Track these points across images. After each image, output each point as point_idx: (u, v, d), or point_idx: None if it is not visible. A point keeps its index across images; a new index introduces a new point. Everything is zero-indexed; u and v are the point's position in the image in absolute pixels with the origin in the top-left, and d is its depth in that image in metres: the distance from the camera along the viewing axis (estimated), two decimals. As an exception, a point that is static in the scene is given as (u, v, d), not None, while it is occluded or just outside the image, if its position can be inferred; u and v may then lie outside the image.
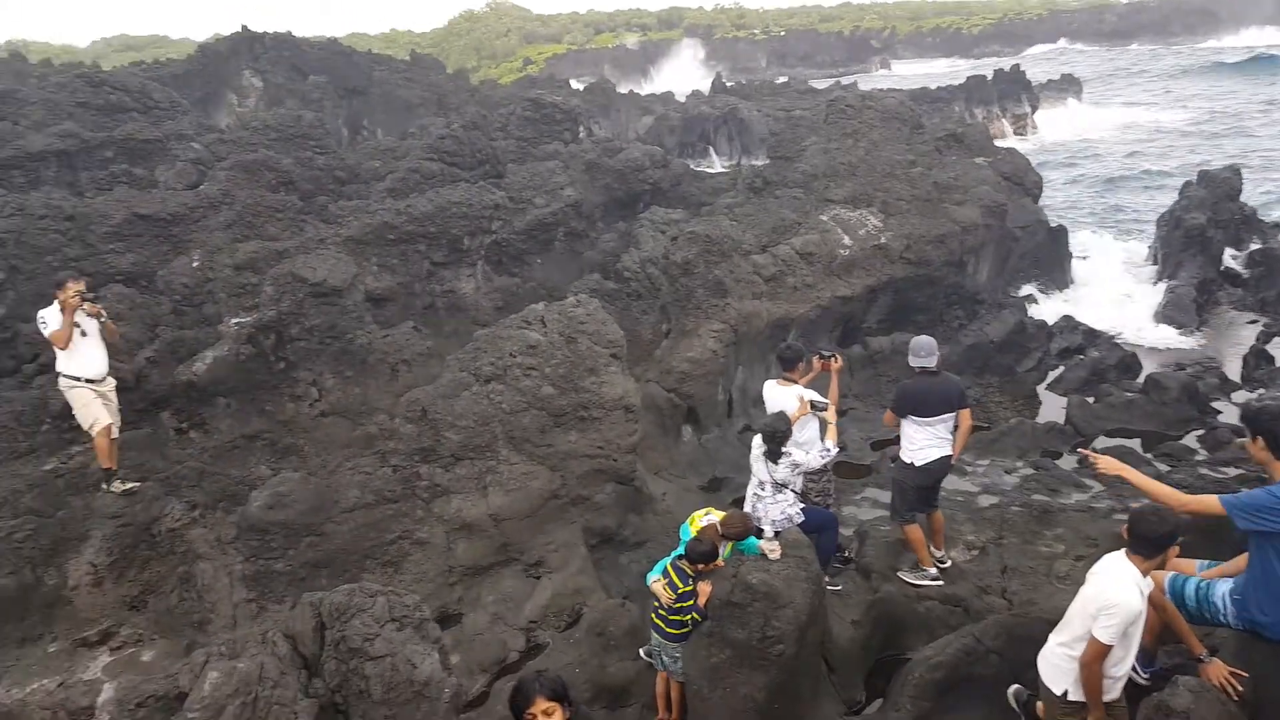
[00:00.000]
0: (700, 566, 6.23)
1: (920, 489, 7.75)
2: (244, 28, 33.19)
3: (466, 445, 8.94)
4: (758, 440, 7.42)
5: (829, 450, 7.41)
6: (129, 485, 9.10)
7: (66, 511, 9.01)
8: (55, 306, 8.86)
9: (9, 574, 8.20)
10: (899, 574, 7.97)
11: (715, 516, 6.59)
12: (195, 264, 13.50)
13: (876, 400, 13.21)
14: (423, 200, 15.04)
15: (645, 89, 58.20)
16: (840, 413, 7.96)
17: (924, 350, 7.55)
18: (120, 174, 18.60)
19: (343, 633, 5.68)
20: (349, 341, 11.43)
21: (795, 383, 8.11)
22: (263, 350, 10.95)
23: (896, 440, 8.08)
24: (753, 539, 6.49)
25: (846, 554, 8.45)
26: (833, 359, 8.36)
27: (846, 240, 14.57)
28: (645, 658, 6.98)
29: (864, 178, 16.68)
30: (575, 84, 44.08)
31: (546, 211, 16.25)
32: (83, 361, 8.97)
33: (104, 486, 9.07)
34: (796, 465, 7.25)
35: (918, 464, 7.60)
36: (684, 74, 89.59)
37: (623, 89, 40.42)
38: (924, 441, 7.57)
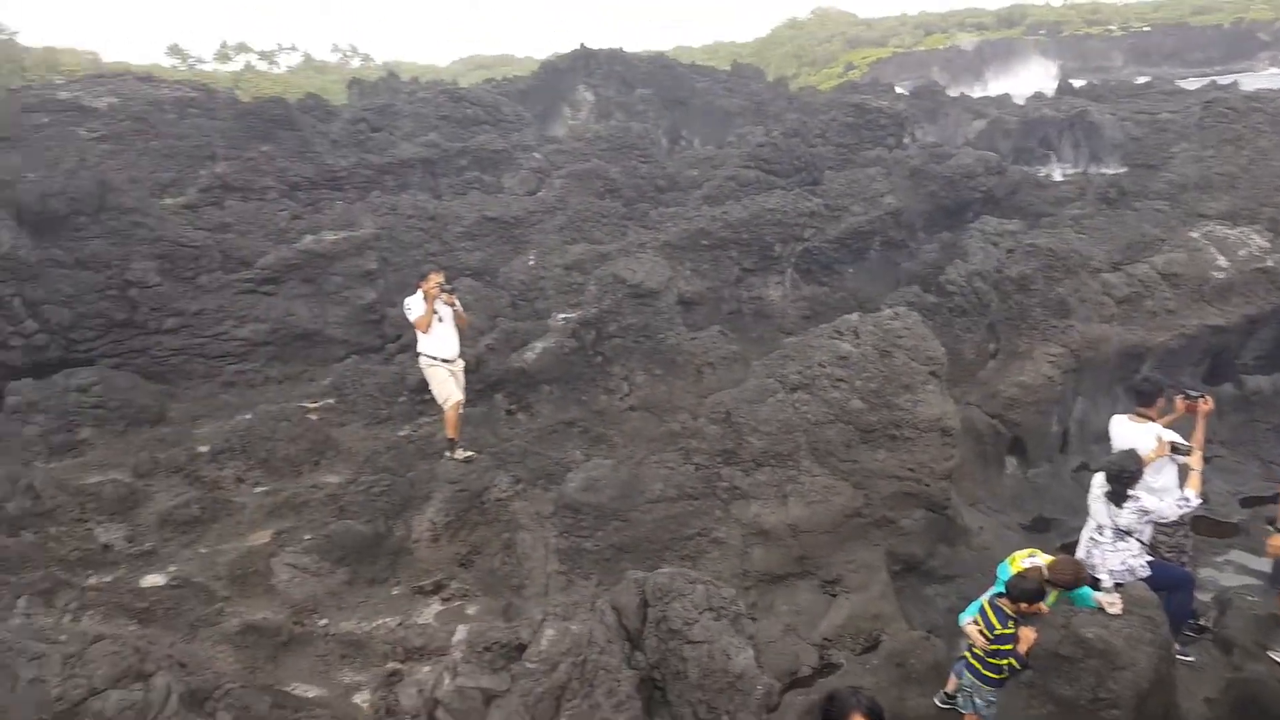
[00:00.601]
0: (1022, 607, 5.69)
1: None
2: (581, 45, 35.83)
3: (768, 452, 8.90)
4: (1099, 479, 6.69)
5: (1188, 500, 6.47)
6: (468, 454, 10.15)
7: (414, 473, 10.23)
8: (419, 294, 10.06)
9: (366, 522, 9.43)
10: (1270, 653, 6.81)
11: (1041, 559, 5.94)
12: (531, 262, 14.80)
13: (1250, 449, 11.36)
14: (738, 207, 15.32)
15: (978, 92, 54.67)
16: (1204, 459, 6.93)
17: None
18: (473, 180, 20.86)
19: (664, 613, 5.89)
20: (660, 341, 11.93)
21: (1151, 420, 7.24)
22: (584, 344, 11.74)
23: (1274, 499, 6.96)
24: (1086, 589, 5.84)
25: (1202, 622, 7.37)
26: (1201, 400, 7.31)
27: (1222, 261, 12.49)
28: (941, 705, 6.53)
29: (1246, 190, 14.70)
30: (900, 89, 42.52)
31: (863, 219, 15.78)
32: (439, 343, 10.11)
33: (447, 454, 10.19)
34: (1146, 512, 6.43)
35: None
36: (1024, 76, 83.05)
37: (953, 93, 38.23)
38: None
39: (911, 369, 8.90)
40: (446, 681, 6.06)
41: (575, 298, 13.18)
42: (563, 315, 12.38)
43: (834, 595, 8.20)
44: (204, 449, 11.04)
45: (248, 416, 11.60)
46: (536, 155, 21.71)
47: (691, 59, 49.95)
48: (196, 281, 14.55)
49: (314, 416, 11.99)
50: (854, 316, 9.65)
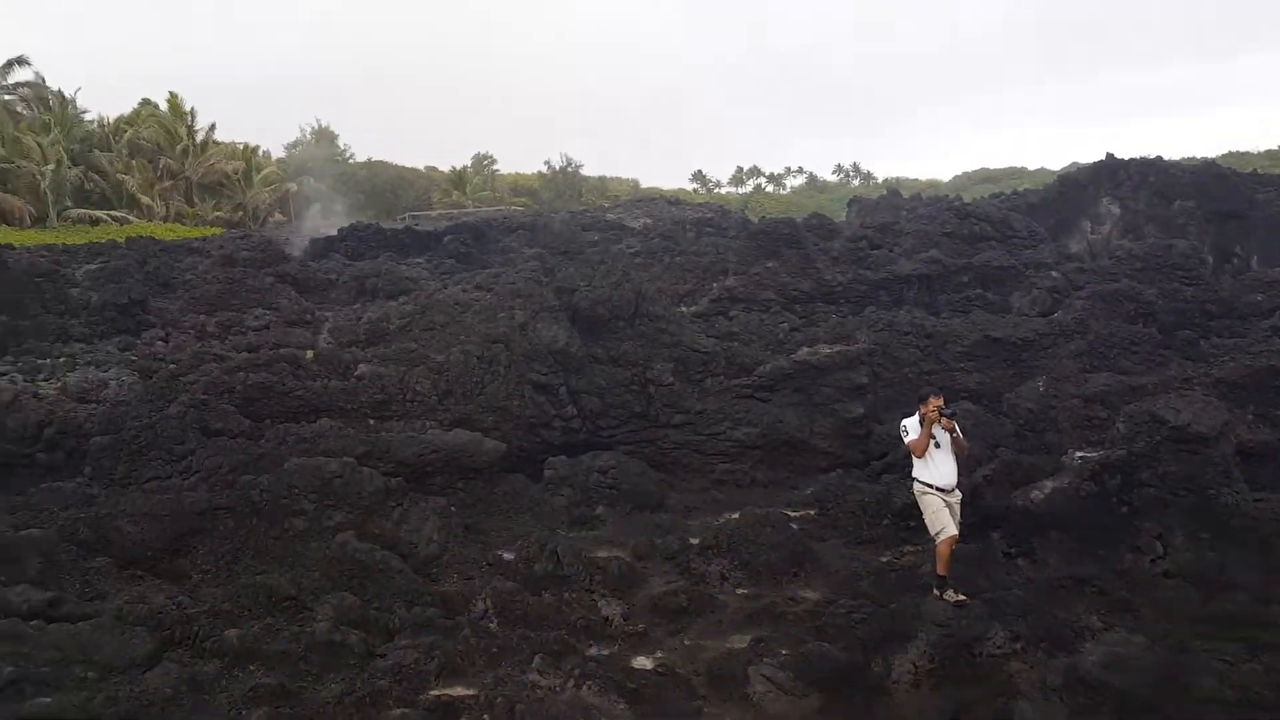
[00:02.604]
0: None
1: None
2: (1108, 155, 32.35)
3: None
4: None
5: None
6: (959, 597, 8.91)
7: (897, 605, 9.25)
8: (916, 417, 9.26)
9: (844, 649, 8.67)
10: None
11: None
12: (1041, 390, 13.09)
13: None
14: (1321, 342, 11.96)
15: None
16: None
17: None
18: (975, 298, 19.57)
19: None
20: (1210, 498, 9.49)
21: None
22: (1106, 490, 9.81)
23: None
24: None
25: None
26: None
27: None
28: None
29: None
30: None
31: None
32: (935, 471, 9.16)
33: (935, 592, 9.06)
34: None
35: None
36: None
37: None
38: None
39: None
40: None
41: (1096, 434, 11.25)
42: (1080, 453, 10.52)
43: None
44: (694, 541, 11.32)
45: (734, 516, 11.71)
46: (1053, 273, 19.68)
47: (1251, 167, 42.14)
48: (703, 384, 15.47)
49: (795, 525, 11.70)
50: None
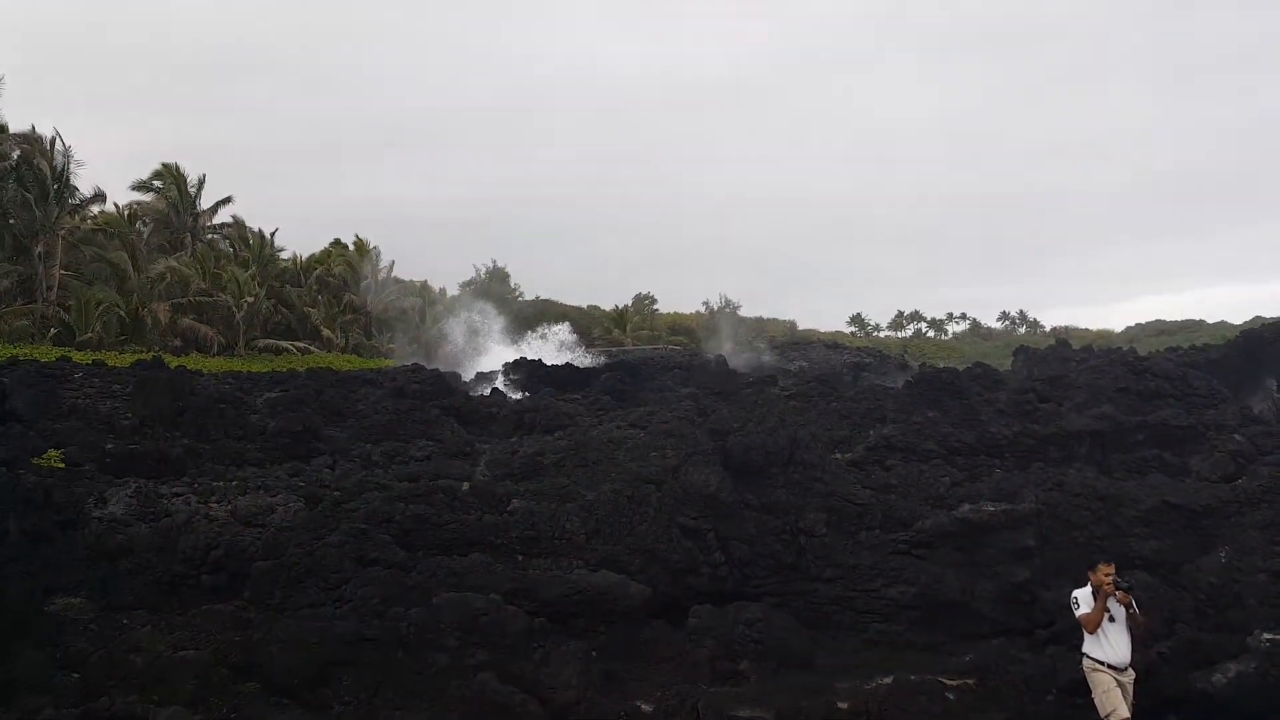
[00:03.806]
0: None
1: None
2: (1294, 312, 30.42)
3: None
4: None
5: None
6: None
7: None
8: (1088, 588, 9.06)
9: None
10: None
11: None
12: (1224, 561, 12.34)
13: None
14: None
15: None
16: None
17: None
18: (1151, 459, 18.63)
19: None
20: None
21: None
22: (1298, 679, 9.12)
23: None
24: None
25: None
26: None
27: None
28: None
29: None
30: None
31: None
32: (1108, 646, 8.94)
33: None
34: None
35: None
36: None
37: None
38: None
39: None
40: None
41: (1287, 616, 10.48)
42: (1268, 635, 9.89)
43: None
44: (843, 705, 11.15)
45: (887, 680, 11.49)
46: (1236, 436, 18.55)
47: None
48: (857, 537, 15.40)
49: (951, 695, 11.34)
50: None
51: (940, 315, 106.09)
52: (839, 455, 20.50)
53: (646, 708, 11.13)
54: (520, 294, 78.40)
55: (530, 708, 10.35)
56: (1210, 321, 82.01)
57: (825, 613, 14.43)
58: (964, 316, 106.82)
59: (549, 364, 35.19)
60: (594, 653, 12.15)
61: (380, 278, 63.46)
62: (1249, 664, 9.65)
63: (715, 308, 78.62)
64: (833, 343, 46.22)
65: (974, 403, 22.95)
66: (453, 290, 75.91)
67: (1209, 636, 10.84)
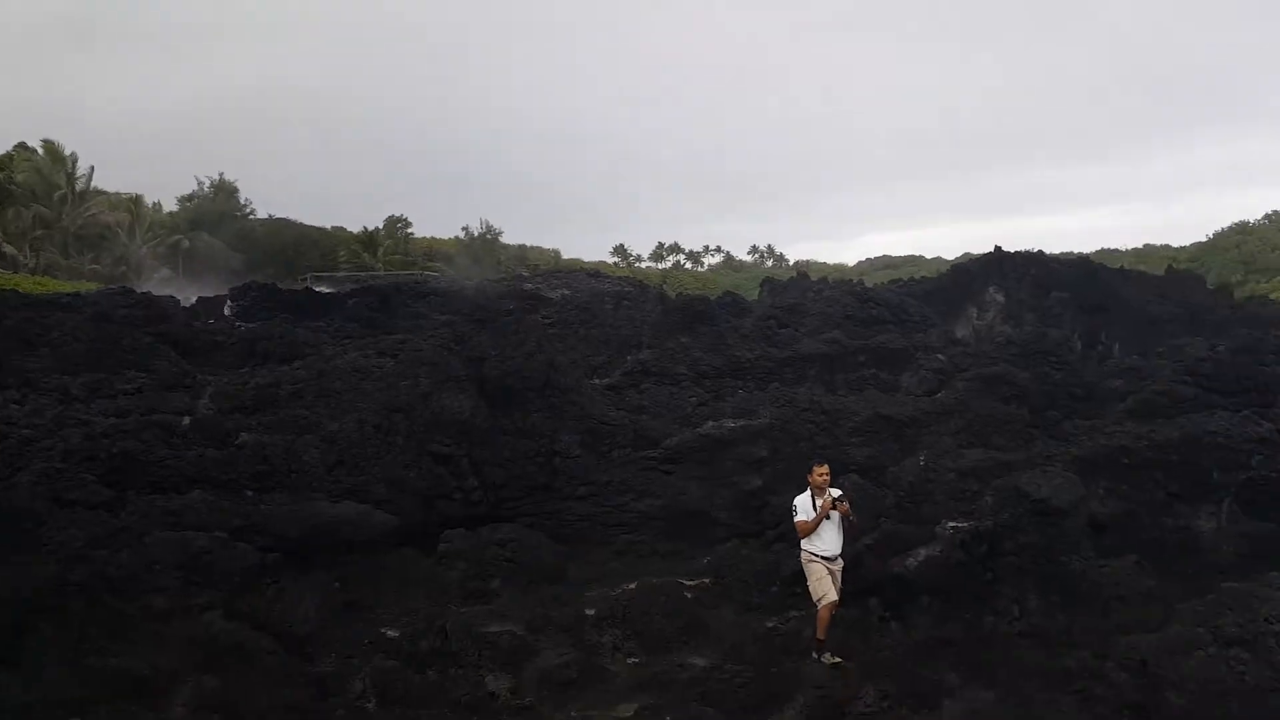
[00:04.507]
0: None
1: None
2: (996, 248, 35.09)
3: (1191, 714, 7.48)
4: None
5: None
6: (836, 659, 9.73)
7: (778, 669, 10.00)
8: (807, 494, 10.17)
9: (725, 713, 9.30)
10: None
11: None
12: (921, 464, 14.26)
13: None
14: (1169, 426, 13.60)
15: None
16: None
17: None
18: (869, 377, 20.94)
19: None
20: (1062, 565, 10.69)
21: None
22: (973, 558, 10.90)
23: None
24: None
25: None
26: None
27: None
28: None
29: None
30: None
31: (1331, 452, 13.11)
32: (821, 540, 10.08)
33: (814, 655, 9.87)
34: None
35: None
36: None
37: None
38: None
39: None
40: None
41: (968, 506, 12.38)
42: (952, 524, 11.64)
43: None
44: (590, 612, 11.84)
45: (632, 586, 12.30)
46: (939, 356, 21.31)
47: (1119, 263, 46.47)
48: (609, 456, 16.15)
49: (689, 595, 12.37)
50: None
51: (698, 248, 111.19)
52: (597, 380, 21.27)
53: (392, 634, 11.13)
54: (251, 211, 72.36)
55: (263, 644, 10.04)
56: (929, 257, 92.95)
57: (577, 529, 15.09)
58: (719, 249, 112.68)
59: (285, 289, 33.04)
60: (336, 584, 11.96)
61: (78, 189, 56.01)
62: (936, 549, 11.34)
63: (476, 234, 77.06)
64: (595, 272, 46.93)
65: (722, 329, 24.57)
66: (170, 207, 68.67)
67: (906, 528, 12.56)
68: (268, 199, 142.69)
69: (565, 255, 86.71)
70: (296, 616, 10.91)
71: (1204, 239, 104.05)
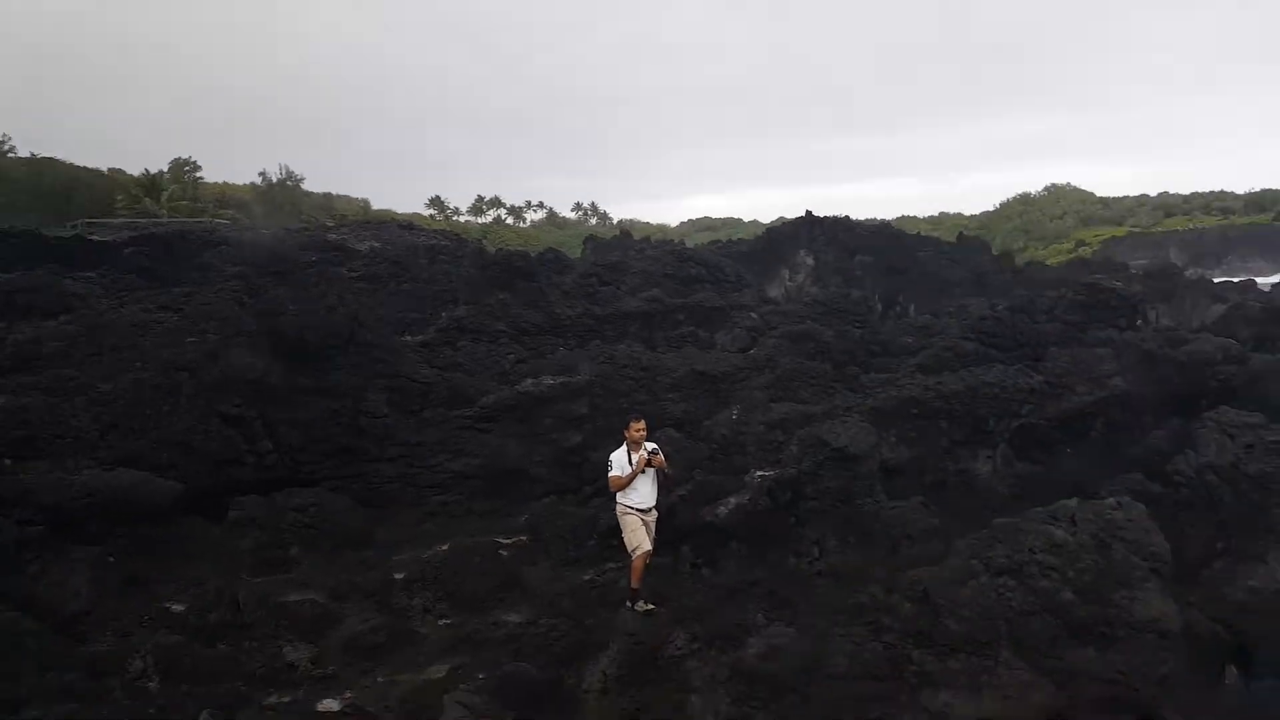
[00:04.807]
0: None
1: None
2: (808, 213, 36.91)
3: (966, 638, 8.27)
4: None
5: None
6: (649, 607, 9.99)
7: (594, 620, 10.17)
8: (623, 450, 10.30)
9: (540, 666, 9.37)
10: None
11: None
12: (734, 418, 14.83)
13: None
14: (953, 378, 14.85)
15: (1218, 276, 51.11)
16: None
17: None
18: (688, 335, 21.54)
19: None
20: (857, 507, 11.46)
21: None
22: (778, 504, 11.47)
23: None
24: None
25: None
26: None
27: None
28: None
29: None
30: (1132, 268, 40.47)
31: (1087, 400, 14.91)
32: (636, 493, 10.24)
33: (628, 604, 10.09)
34: None
35: None
36: (1270, 260, 77.30)
37: (1191, 275, 36.12)
38: None
39: (1131, 564, 8.50)
40: None
41: (775, 456, 13.00)
42: (760, 473, 12.19)
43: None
44: (399, 576, 11.55)
45: (444, 547, 12.10)
46: (752, 314, 22.19)
47: (916, 229, 50.18)
48: (421, 415, 15.73)
49: (505, 553, 12.32)
50: (1073, 502, 9.20)
51: (520, 203, 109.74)
52: (409, 337, 20.61)
53: (178, 607, 10.41)
54: (10, 149, 64.46)
55: (26, 625, 9.12)
56: (747, 220, 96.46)
57: (387, 491, 14.65)
58: (541, 205, 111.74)
59: (51, 235, 29.75)
60: (111, 558, 11.02)
61: None
62: (745, 497, 11.86)
63: (274, 180, 72.17)
64: (409, 224, 45.27)
65: (543, 286, 24.42)
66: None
67: (718, 478, 13.05)
68: (32, 138, 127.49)
69: (376, 206, 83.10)
70: (65, 594, 10.04)
71: (991, 208, 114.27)
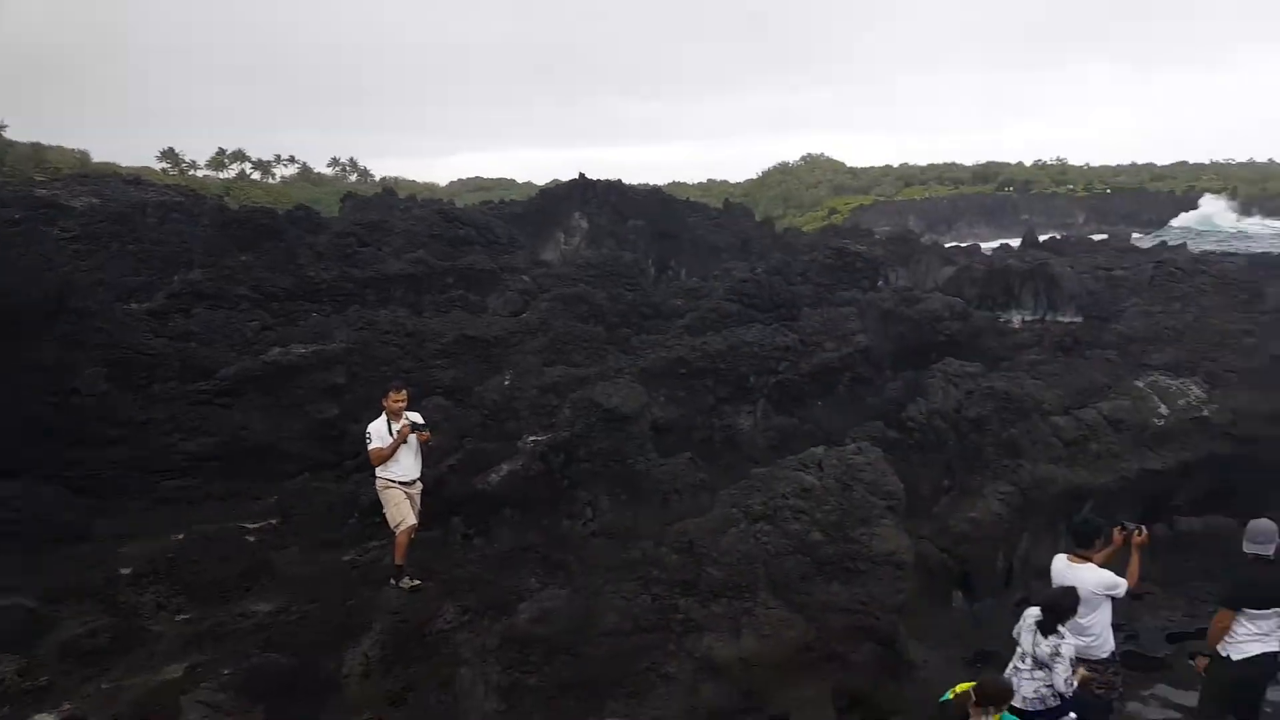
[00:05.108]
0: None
1: (1234, 689, 7.20)
2: (580, 175, 36.93)
3: (727, 583, 8.67)
4: (1033, 611, 6.92)
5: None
6: (415, 583, 9.62)
7: (354, 601, 9.67)
8: (382, 420, 9.76)
9: (293, 655, 8.79)
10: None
11: None
12: (506, 383, 14.59)
13: (1179, 589, 11.75)
14: (717, 338, 15.47)
15: (950, 241, 57.15)
16: (1136, 596, 7.06)
17: (1262, 536, 7.09)
18: (458, 299, 20.88)
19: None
20: (629, 467, 11.65)
21: (1089, 560, 7.41)
22: (551, 468, 11.43)
23: (1198, 634, 7.52)
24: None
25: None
26: (1136, 532, 7.59)
27: (1163, 409, 13.63)
28: None
29: (1189, 344, 15.99)
30: (877, 234, 44.29)
31: (835, 356, 16.18)
32: (397, 466, 9.76)
33: (392, 581, 9.67)
34: (1058, 652, 6.63)
35: (1234, 658, 7.10)
36: (993, 228, 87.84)
37: (926, 240, 40.00)
38: (1245, 635, 7.09)
39: (869, 503, 9.19)
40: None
41: (548, 420, 12.92)
42: (533, 438, 12.08)
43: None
44: (126, 571, 10.43)
45: (179, 537, 11.04)
46: (524, 277, 21.88)
47: (687, 195, 51.83)
48: (149, 391, 14.23)
49: (252, 538, 11.44)
50: (820, 450, 9.87)
51: (268, 157, 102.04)
52: (134, 304, 18.53)
53: None
54: None
55: None
56: (520, 180, 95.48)
57: (108, 478, 13.17)
58: (293, 160, 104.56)
59: None
60: None
61: None
62: (517, 463, 11.71)
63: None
64: (135, 178, 40.77)
65: (293, 246, 22.71)
66: None
67: (491, 446, 12.79)
68: None
69: (96, 159, 74.27)
70: None
71: (755, 176, 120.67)
